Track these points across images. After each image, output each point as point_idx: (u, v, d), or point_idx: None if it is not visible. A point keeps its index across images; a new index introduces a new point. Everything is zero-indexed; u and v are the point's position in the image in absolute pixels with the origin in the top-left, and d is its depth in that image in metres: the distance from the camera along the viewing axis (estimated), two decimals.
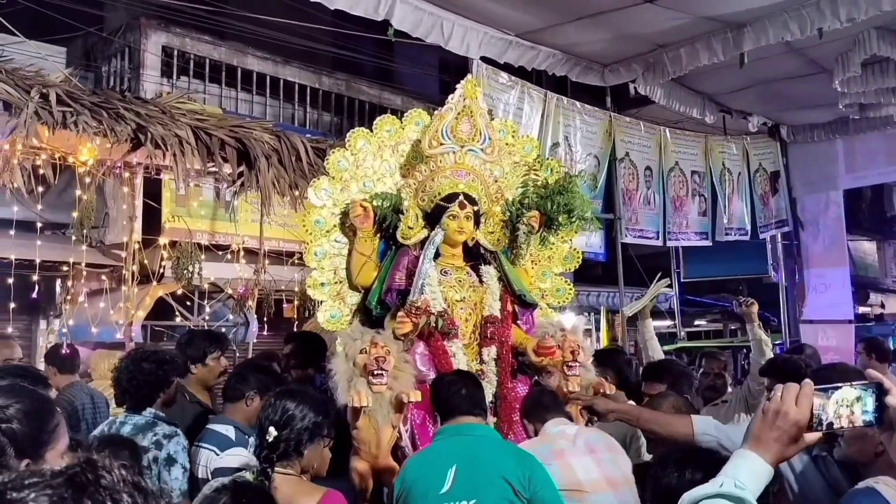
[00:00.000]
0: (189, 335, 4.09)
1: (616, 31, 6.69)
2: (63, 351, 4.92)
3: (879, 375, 1.45)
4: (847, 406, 1.41)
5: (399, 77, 11.11)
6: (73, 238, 5.68)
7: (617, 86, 7.80)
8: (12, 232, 5.08)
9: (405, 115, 4.23)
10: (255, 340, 7.74)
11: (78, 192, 5.30)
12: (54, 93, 4.39)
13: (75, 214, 5.55)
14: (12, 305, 5.29)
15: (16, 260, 5.30)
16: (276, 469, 2.51)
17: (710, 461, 1.98)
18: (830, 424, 1.42)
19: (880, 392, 1.40)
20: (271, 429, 2.54)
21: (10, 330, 5.13)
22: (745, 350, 8.41)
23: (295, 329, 7.18)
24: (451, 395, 3.02)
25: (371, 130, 4.11)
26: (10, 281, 5.25)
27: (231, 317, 7.15)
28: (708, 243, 9.14)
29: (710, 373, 4.75)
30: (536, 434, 3.26)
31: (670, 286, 5.78)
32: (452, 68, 10.73)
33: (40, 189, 5.31)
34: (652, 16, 6.30)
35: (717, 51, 6.69)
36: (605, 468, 3.02)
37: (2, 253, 5.04)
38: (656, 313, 11.91)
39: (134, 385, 3.21)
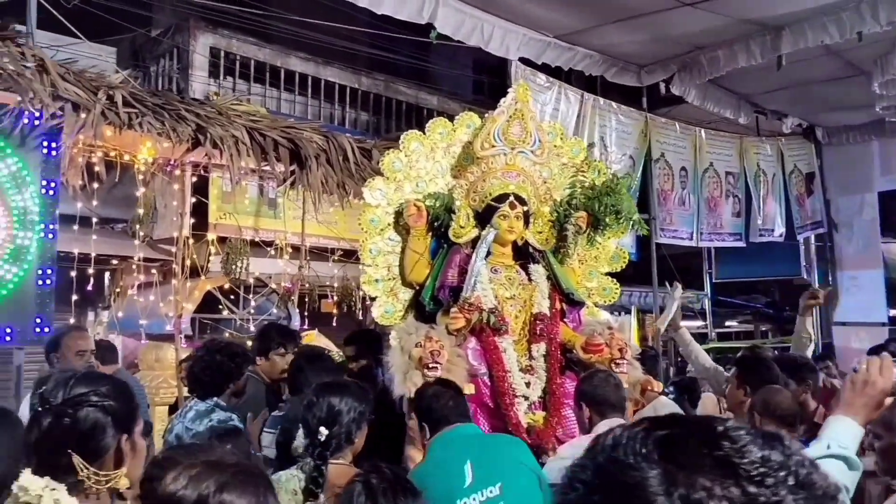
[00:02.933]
0: (264, 328, 4.23)
1: (654, 33, 6.75)
2: (103, 343, 5.16)
3: None
4: None
5: (434, 77, 11.26)
6: (130, 233, 5.88)
7: (648, 85, 7.86)
8: (76, 227, 5.28)
9: (456, 117, 4.37)
10: None
11: (141, 191, 5.50)
12: (120, 94, 4.58)
13: (139, 211, 5.76)
14: (74, 298, 5.51)
15: (78, 254, 5.54)
16: (330, 462, 2.58)
17: None
18: None
19: None
20: (322, 428, 2.58)
21: (71, 321, 5.36)
22: (775, 351, 8.43)
23: (334, 324, 7.36)
24: (439, 406, 3.00)
25: (423, 132, 4.24)
26: (73, 274, 5.47)
27: (274, 311, 7.35)
28: (741, 244, 9.16)
29: None
30: (590, 420, 3.18)
31: (683, 289, 5.90)
32: (486, 69, 10.86)
33: (95, 185, 5.51)
34: (690, 18, 6.36)
35: (754, 53, 6.74)
36: None
37: (65, 247, 5.25)
38: (687, 315, 11.96)
39: (207, 374, 3.37)
